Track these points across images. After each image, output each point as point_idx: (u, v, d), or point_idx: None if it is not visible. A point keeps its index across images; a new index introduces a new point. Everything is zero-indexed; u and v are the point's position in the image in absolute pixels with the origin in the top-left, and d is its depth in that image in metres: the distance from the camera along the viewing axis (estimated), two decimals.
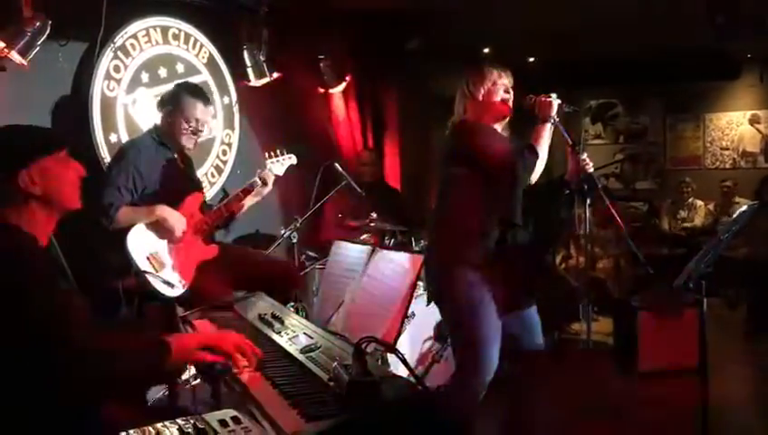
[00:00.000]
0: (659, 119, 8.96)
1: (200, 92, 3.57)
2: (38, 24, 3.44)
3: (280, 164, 3.76)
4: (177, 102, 3.44)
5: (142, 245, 3.20)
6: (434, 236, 3.04)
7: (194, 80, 4.38)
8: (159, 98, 3.62)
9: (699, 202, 7.73)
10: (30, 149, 1.84)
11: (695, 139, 8.82)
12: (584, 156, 2.98)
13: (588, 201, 3.19)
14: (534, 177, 2.95)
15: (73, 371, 1.66)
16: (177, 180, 3.44)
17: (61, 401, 1.67)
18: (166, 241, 3.29)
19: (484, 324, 2.72)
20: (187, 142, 3.48)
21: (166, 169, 3.40)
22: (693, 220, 7.68)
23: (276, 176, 3.71)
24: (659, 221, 7.90)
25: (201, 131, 3.51)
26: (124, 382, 1.77)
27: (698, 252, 2.92)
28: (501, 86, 2.93)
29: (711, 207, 7.71)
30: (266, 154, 3.79)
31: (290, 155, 3.82)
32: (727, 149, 8.65)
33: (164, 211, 3.24)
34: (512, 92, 2.96)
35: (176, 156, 3.50)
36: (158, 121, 3.52)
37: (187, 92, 3.48)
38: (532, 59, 7.64)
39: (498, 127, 2.97)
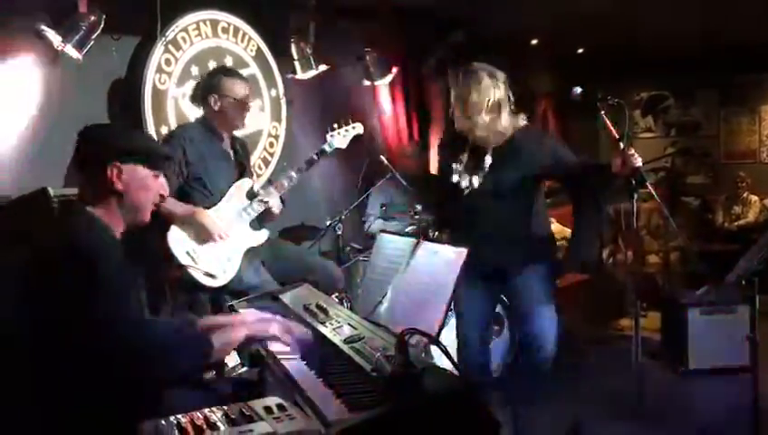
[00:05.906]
0: (713, 111, 8.72)
1: (234, 71, 3.56)
2: (93, 18, 3.52)
3: (342, 136, 3.68)
4: (220, 87, 3.40)
5: (183, 238, 3.22)
6: None
7: (242, 72, 4.43)
8: (196, 91, 3.56)
9: (754, 197, 7.52)
10: (131, 150, 1.93)
11: (750, 132, 8.57)
12: (632, 150, 2.92)
13: (635, 196, 3.14)
14: None
15: (132, 355, 1.74)
16: (224, 168, 3.44)
17: (114, 380, 1.73)
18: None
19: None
20: (239, 122, 3.47)
21: (214, 157, 3.40)
22: (747, 216, 7.49)
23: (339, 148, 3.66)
24: (713, 216, 7.71)
25: (250, 106, 3.50)
26: (168, 374, 1.84)
27: (751, 248, 2.86)
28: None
29: (766, 202, 7.49)
30: (328, 128, 3.70)
31: (354, 124, 3.73)
32: None
33: (204, 218, 3.22)
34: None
35: (225, 143, 3.49)
36: (204, 112, 3.48)
37: (224, 75, 3.46)
38: (581, 50, 7.52)
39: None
